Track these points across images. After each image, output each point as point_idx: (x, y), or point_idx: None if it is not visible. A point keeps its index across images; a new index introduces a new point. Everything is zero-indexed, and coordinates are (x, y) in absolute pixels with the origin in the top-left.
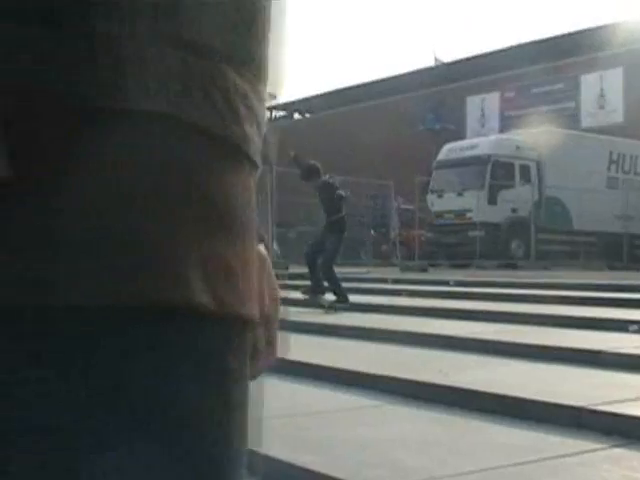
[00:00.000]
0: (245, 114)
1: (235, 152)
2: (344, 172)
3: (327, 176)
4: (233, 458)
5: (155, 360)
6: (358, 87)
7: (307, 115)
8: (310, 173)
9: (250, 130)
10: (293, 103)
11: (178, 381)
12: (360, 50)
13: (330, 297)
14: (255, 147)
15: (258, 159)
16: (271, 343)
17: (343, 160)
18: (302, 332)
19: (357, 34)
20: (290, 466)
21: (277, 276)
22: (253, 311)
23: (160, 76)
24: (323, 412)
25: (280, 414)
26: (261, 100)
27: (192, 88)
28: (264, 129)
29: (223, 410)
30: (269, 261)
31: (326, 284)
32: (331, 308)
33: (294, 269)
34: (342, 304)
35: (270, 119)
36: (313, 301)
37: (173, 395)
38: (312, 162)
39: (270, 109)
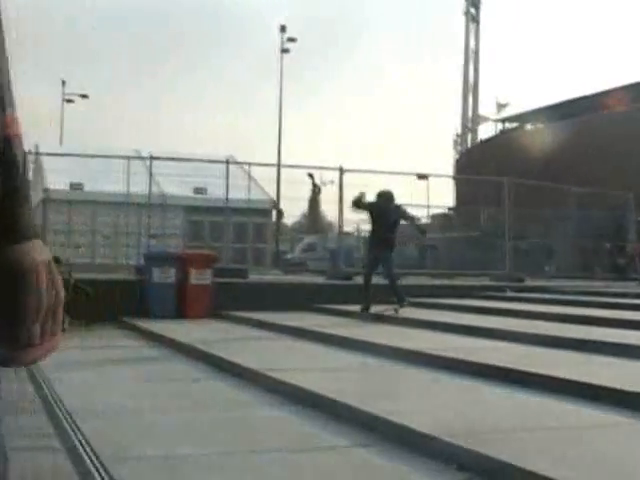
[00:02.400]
0: None
1: None
2: (580, 183)
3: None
4: None
5: None
6: (591, 97)
7: (539, 125)
8: (391, 199)
9: None
10: (522, 115)
11: None
12: (592, 58)
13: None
14: None
15: None
16: (54, 333)
17: (578, 170)
18: (549, 346)
19: (588, 41)
20: None
21: None
22: None
23: None
24: (577, 427)
25: (530, 427)
26: None
27: None
28: None
29: None
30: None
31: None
32: (396, 311)
33: (530, 282)
34: (404, 304)
35: (502, 131)
36: (367, 315)
37: None
38: (388, 190)
39: (502, 121)
